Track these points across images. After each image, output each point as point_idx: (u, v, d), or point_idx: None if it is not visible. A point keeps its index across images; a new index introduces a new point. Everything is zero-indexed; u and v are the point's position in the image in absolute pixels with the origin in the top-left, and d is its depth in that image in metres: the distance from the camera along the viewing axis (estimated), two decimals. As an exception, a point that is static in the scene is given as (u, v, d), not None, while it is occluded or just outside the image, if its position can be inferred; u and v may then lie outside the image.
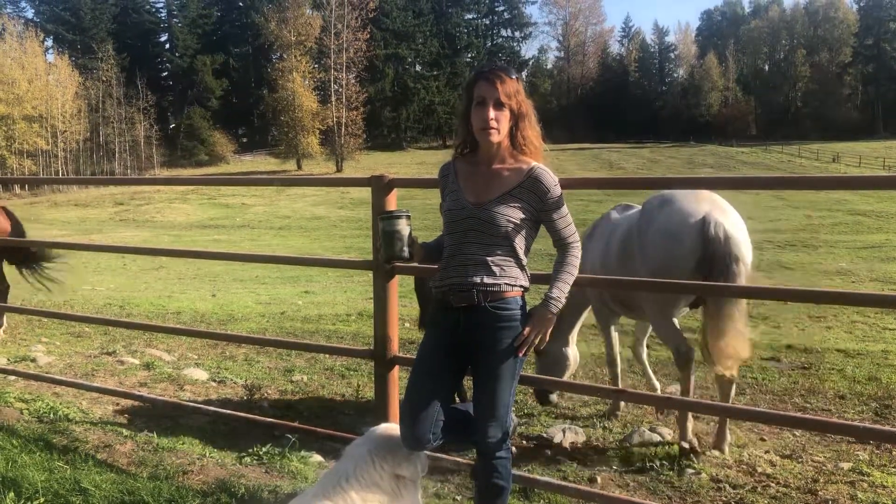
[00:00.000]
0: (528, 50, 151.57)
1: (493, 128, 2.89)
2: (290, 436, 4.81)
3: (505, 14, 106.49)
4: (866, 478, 4.40)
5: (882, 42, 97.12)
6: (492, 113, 2.88)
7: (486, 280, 2.92)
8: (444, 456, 3.89)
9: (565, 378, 5.61)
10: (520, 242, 2.97)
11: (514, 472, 3.29)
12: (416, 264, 3.48)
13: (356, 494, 2.80)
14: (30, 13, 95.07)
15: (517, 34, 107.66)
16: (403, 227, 2.98)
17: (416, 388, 3.04)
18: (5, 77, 69.32)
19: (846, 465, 4.59)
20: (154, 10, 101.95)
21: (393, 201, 3.89)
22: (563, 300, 2.99)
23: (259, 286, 16.99)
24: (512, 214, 2.91)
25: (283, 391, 6.55)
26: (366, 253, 4.69)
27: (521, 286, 3.00)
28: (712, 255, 4.50)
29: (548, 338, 3.06)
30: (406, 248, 2.99)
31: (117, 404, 5.75)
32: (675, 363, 5.02)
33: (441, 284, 3.04)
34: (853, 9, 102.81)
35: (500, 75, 2.91)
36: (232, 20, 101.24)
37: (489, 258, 2.93)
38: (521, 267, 3.01)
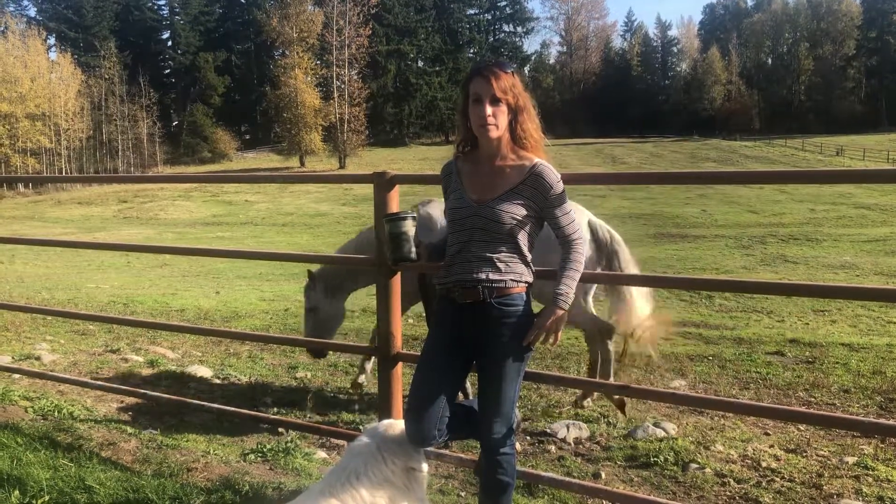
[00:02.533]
0: (531, 45, 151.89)
1: (490, 124, 2.88)
2: (292, 431, 4.82)
3: (507, 9, 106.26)
4: (871, 472, 4.39)
5: (886, 35, 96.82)
6: (489, 109, 2.87)
7: (492, 276, 2.92)
8: (448, 452, 3.89)
9: (335, 334, 6.58)
10: (524, 239, 2.96)
11: (518, 467, 3.29)
12: (423, 263, 3.48)
13: (366, 492, 2.78)
14: (32, 11, 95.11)
15: (519, 29, 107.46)
16: (409, 227, 2.97)
17: (421, 386, 3.04)
18: (8, 75, 69.35)
19: (851, 460, 4.58)
20: (156, 7, 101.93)
21: (395, 198, 3.88)
22: (572, 296, 2.98)
23: (263, 283, 17.00)
24: (515, 212, 2.90)
25: (286, 388, 6.55)
26: (369, 249, 4.70)
27: (525, 282, 2.99)
28: (606, 252, 5.54)
29: (560, 337, 3.04)
30: (414, 249, 2.99)
31: (121, 402, 5.76)
32: (599, 338, 5.72)
33: (446, 281, 3.03)
34: (856, 1, 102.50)
35: (494, 71, 2.89)
36: (234, 17, 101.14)
37: (494, 255, 2.93)
38: (526, 263, 3.00)
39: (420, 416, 2.97)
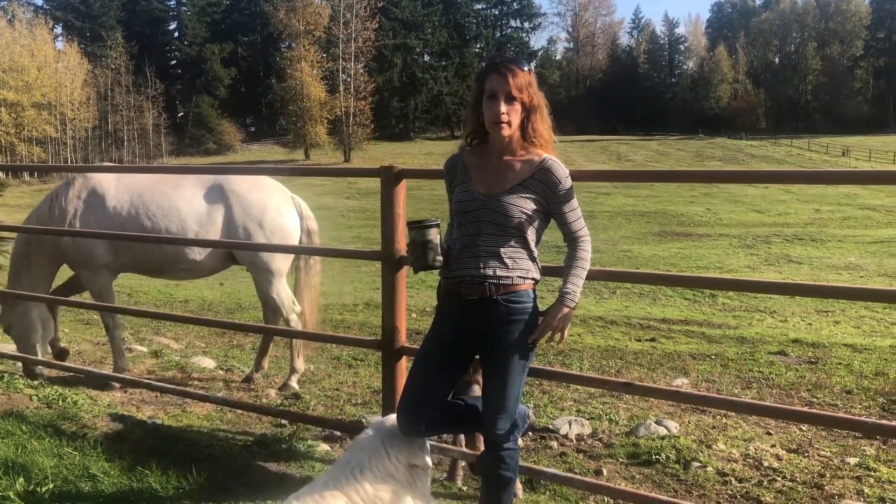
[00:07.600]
0: (537, 41, 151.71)
1: (504, 122, 2.86)
2: (296, 424, 4.83)
3: (514, 4, 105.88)
4: (873, 473, 4.40)
5: (894, 35, 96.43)
6: (503, 107, 2.85)
7: (500, 273, 2.91)
8: (451, 447, 3.91)
9: (38, 343, 6.10)
10: (531, 234, 2.95)
11: (520, 463, 3.30)
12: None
13: (370, 486, 2.80)
14: (39, 0, 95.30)
15: (526, 25, 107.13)
16: (434, 236, 2.96)
17: (416, 378, 3.06)
18: (15, 64, 69.39)
19: (853, 460, 4.59)
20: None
21: (402, 192, 3.89)
22: (579, 295, 2.98)
23: (266, 275, 17.00)
24: (524, 205, 2.89)
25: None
26: (374, 243, 4.71)
27: (532, 279, 2.99)
28: (305, 224, 6.30)
29: (566, 335, 3.04)
30: (439, 258, 2.98)
31: (125, 391, 5.78)
32: (284, 317, 6.27)
33: (452, 276, 3.02)
34: (865, 1, 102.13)
35: (511, 68, 2.87)
36: (241, 9, 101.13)
37: (502, 249, 2.92)
38: (533, 259, 3.00)
39: (410, 407, 2.98)
